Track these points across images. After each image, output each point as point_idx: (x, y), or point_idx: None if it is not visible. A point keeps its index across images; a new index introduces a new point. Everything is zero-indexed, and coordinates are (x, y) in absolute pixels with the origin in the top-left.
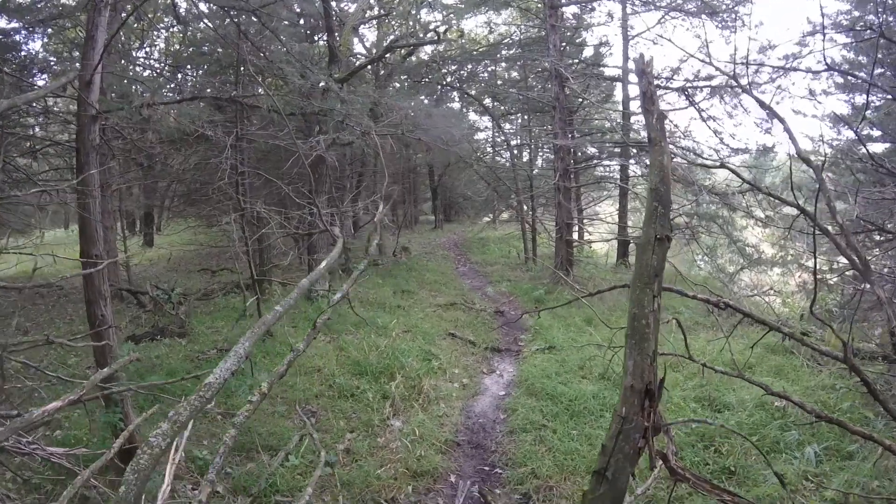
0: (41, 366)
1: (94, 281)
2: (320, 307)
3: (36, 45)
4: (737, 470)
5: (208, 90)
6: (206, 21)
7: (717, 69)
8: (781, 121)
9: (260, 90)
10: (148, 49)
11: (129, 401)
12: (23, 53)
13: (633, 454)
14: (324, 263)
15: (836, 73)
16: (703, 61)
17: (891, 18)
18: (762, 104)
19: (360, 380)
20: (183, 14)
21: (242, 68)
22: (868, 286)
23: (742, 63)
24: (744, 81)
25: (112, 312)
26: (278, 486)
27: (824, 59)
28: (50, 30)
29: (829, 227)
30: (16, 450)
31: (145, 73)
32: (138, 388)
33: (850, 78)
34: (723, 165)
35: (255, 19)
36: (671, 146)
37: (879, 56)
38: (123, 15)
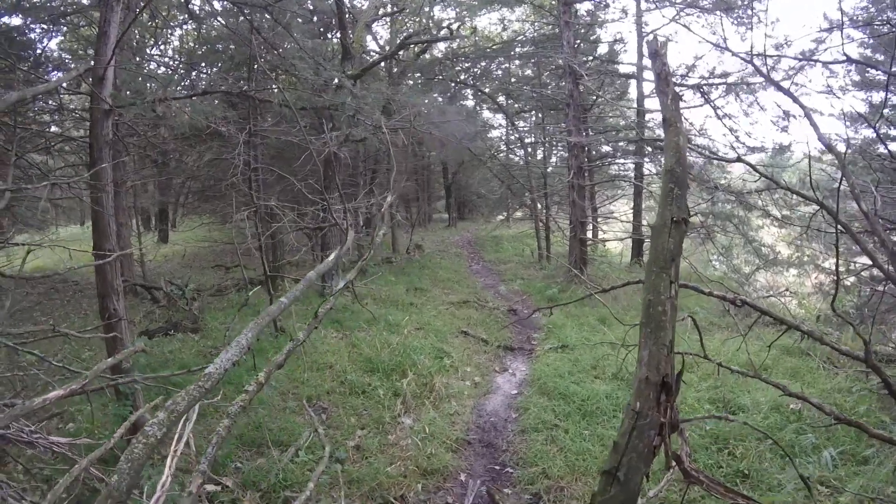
0: (55, 359)
1: (106, 275)
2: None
3: (51, 44)
4: (751, 473)
5: (222, 87)
6: (219, 19)
7: (734, 54)
8: (802, 106)
9: (274, 86)
10: (162, 47)
11: (141, 394)
12: (38, 51)
13: (647, 453)
14: (332, 256)
15: (853, 70)
16: (719, 47)
17: None
18: (781, 88)
19: (372, 377)
20: (196, 11)
21: (256, 65)
22: (889, 285)
23: (759, 55)
24: (760, 77)
25: (125, 306)
26: (288, 481)
27: (843, 52)
28: (65, 28)
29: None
30: (17, 438)
31: (160, 71)
32: (144, 380)
33: (867, 75)
34: (739, 160)
35: (267, 16)
36: (689, 145)
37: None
38: (138, 11)
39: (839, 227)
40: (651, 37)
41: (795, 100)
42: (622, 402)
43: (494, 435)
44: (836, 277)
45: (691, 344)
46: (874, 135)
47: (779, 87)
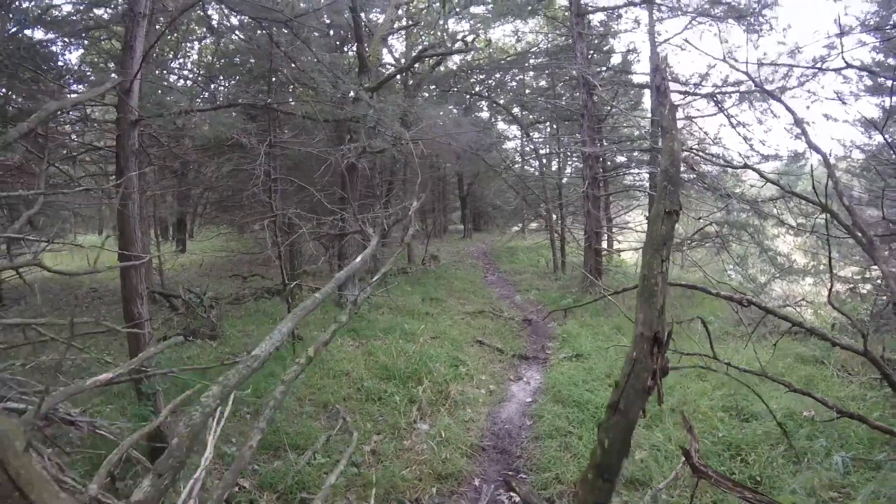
0: (76, 361)
1: (131, 279)
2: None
3: (72, 56)
4: (763, 479)
5: (241, 99)
6: (237, 33)
7: (731, 66)
8: (791, 112)
9: (292, 98)
10: (182, 60)
11: (162, 395)
12: (59, 63)
13: (642, 391)
14: (359, 258)
15: (865, 76)
16: (717, 58)
17: None
18: (773, 96)
19: (388, 384)
20: (216, 26)
21: (274, 77)
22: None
23: (756, 64)
24: (774, 84)
25: (147, 311)
26: (304, 483)
27: (842, 58)
28: (86, 41)
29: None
30: (63, 418)
31: (179, 83)
32: (181, 371)
33: (879, 80)
34: (746, 166)
35: (285, 30)
36: (700, 153)
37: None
38: (158, 27)
39: (828, 215)
40: (652, 53)
41: (787, 107)
42: None
43: (509, 441)
44: (829, 266)
45: (703, 350)
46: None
47: (771, 95)
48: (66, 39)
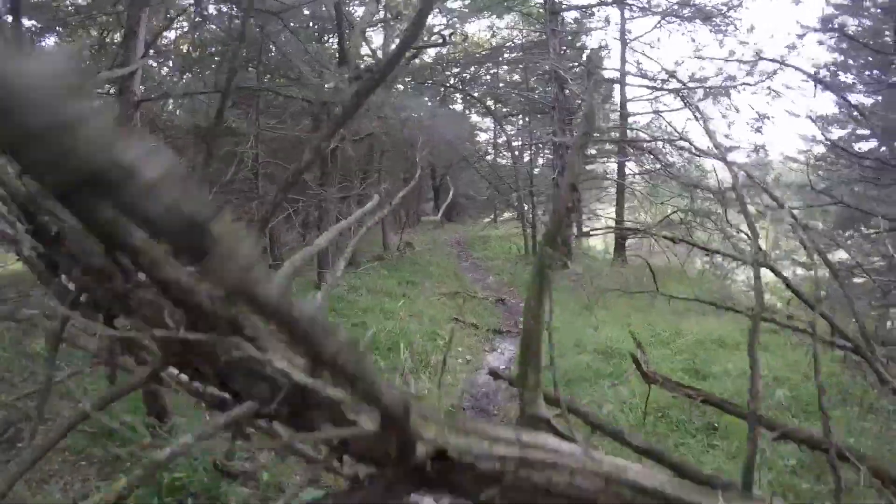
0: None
1: None
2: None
3: (46, 43)
4: (719, 426)
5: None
6: (210, 24)
7: (672, 76)
8: (698, 113)
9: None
10: (158, 46)
11: None
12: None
13: (566, 209)
14: (369, 205)
15: (821, 75)
16: (657, 61)
17: (868, 22)
18: (690, 89)
19: (371, 354)
20: (204, 14)
21: (251, 67)
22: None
23: (740, 59)
24: (738, 81)
25: None
26: None
27: (780, 59)
28: (59, 28)
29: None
30: None
31: (156, 70)
32: None
33: (838, 78)
34: (681, 138)
35: (273, 22)
36: (668, 145)
37: (843, 58)
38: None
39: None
40: (590, 50)
41: (697, 108)
42: (602, 371)
43: (486, 402)
44: (747, 219)
45: (662, 314)
46: (848, 135)
47: (715, 93)
48: (45, 28)
